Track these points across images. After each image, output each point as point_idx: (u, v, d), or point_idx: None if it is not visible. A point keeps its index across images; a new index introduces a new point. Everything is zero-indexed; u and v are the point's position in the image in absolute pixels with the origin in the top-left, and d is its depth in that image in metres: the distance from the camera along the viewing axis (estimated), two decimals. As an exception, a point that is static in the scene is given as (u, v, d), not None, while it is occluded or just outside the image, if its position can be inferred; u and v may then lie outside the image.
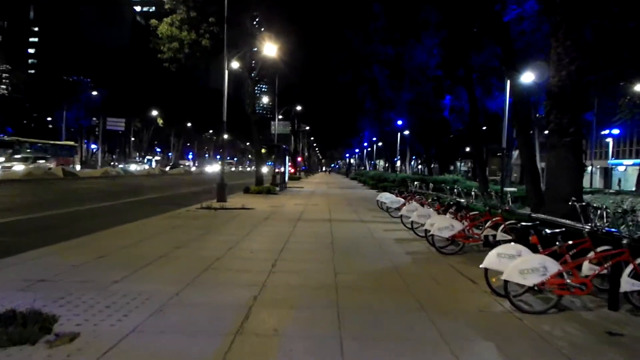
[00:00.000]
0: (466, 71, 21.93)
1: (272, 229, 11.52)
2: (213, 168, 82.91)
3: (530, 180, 11.96)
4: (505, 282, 5.09)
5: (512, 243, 5.71)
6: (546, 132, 9.87)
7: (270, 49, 19.33)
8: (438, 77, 37.61)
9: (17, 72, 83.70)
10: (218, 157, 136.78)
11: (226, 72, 18.95)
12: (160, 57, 23.12)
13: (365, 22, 40.26)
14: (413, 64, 37.43)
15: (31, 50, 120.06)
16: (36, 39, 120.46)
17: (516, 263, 5.08)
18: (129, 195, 22.32)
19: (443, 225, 8.39)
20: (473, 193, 10.50)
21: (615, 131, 42.33)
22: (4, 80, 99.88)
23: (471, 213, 9.75)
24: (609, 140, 48.53)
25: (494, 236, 8.79)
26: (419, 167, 77.55)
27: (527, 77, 12.66)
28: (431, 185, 14.76)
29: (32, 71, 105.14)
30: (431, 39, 37.24)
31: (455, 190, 11.78)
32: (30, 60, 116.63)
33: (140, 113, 75.07)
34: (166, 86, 72.75)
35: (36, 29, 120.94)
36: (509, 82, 12.78)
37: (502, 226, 8.46)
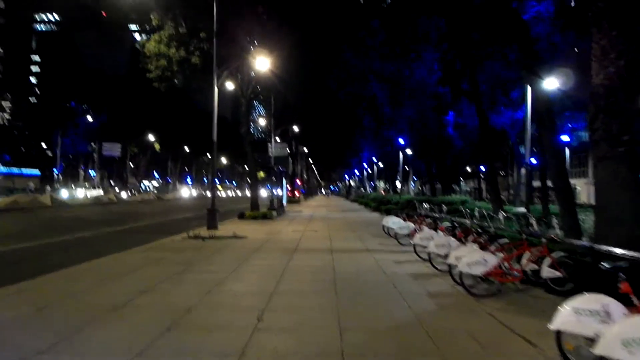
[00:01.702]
0: (473, 84, 20.57)
1: (264, 262, 9.85)
2: (191, 193, 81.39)
3: (563, 200, 10.37)
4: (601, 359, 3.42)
5: (593, 294, 4.05)
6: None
7: (263, 63, 17.95)
8: (439, 94, 36.38)
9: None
10: (216, 180, 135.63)
11: (215, 88, 17.52)
12: (148, 77, 21.82)
13: (363, 39, 39.20)
14: (413, 80, 36.22)
15: (33, 79, 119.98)
16: (37, 68, 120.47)
17: (618, 330, 3.41)
18: (115, 224, 20.65)
19: (474, 259, 6.73)
20: (502, 217, 8.85)
21: None
22: (4, 109, 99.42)
23: (500, 240, 8.12)
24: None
25: (536, 272, 7.15)
26: (420, 187, 75.98)
27: (550, 84, 11.20)
28: (444, 207, 13.15)
29: (34, 99, 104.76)
30: (431, 54, 36.14)
31: (477, 213, 10.15)
32: (32, 89, 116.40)
33: (137, 138, 73.96)
34: (163, 110, 71.85)
35: (37, 58, 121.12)
36: (529, 88, 11.29)
37: (549, 259, 6.82)
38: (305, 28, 27.69)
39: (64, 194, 36.27)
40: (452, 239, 9.05)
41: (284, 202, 31.68)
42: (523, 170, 42.34)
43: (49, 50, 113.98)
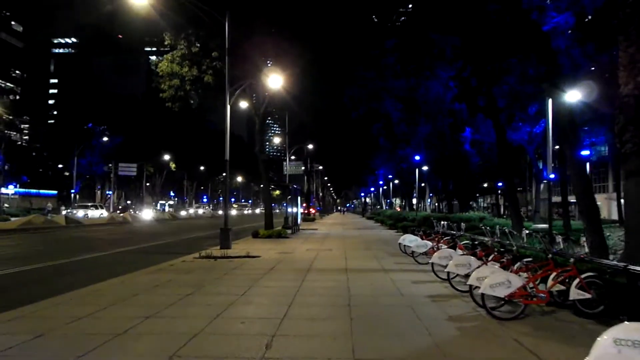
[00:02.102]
0: (490, 100, 20.17)
1: (276, 284, 9.48)
2: (195, 210, 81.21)
3: (588, 217, 9.86)
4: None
5: (636, 323, 3.60)
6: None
7: (276, 81, 17.83)
8: (454, 111, 35.98)
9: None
10: (232, 199, 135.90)
11: (228, 107, 17.42)
12: (161, 97, 21.88)
13: (377, 57, 39.12)
14: (428, 98, 35.92)
15: (51, 101, 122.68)
16: (56, 90, 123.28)
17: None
18: (128, 244, 20.52)
19: (497, 280, 6.29)
20: (525, 235, 8.38)
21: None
22: (23, 131, 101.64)
23: (525, 260, 7.66)
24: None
25: (563, 293, 6.68)
26: (436, 204, 74.99)
27: (573, 96, 10.77)
28: (463, 225, 12.67)
29: (52, 121, 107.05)
30: (446, 71, 35.86)
31: (497, 230, 9.68)
32: (50, 111, 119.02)
33: (153, 158, 74.74)
34: (178, 131, 72.71)
35: (56, 80, 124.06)
36: (550, 102, 10.87)
37: (578, 281, 6.35)
38: (318, 46, 27.65)
39: (79, 213, 36.39)
40: (473, 258, 8.59)
41: (299, 220, 31.31)
42: (542, 186, 41.47)
43: (66, 73, 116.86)
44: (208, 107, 25.75)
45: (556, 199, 65.50)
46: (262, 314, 6.84)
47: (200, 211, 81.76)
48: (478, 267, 8.41)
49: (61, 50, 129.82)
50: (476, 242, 9.58)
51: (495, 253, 9.07)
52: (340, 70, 41.96)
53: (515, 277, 6.37)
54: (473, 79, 31.81)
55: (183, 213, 69.22)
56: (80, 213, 41.31)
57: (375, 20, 44.03)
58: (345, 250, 16.81)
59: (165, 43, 20.64)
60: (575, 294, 6.34)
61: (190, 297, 7.98)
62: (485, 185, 69.02)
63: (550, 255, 6.98)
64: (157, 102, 24.98)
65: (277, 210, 54.13)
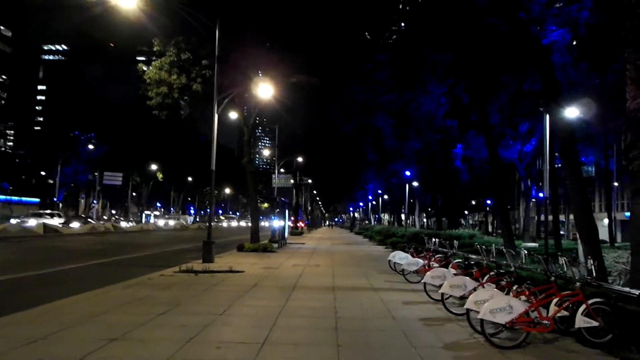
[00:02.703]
0: (483, 116, 19.92)
1: (259, 303, 8.87)
2: (170, 221, 66.41)
3: (587, 238, 9.44)
4: None
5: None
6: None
7: (266, 91, 17.37)
8: (446, 127, 35.83)
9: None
10: (220, 211, 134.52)
11: (215, 116, 16.90)
12: (149, 104, 21.30)
13: (369, 71, 38.95)
14: (420, 113, 35.74)
15: (38, 108, 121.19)
16: (43, 97, 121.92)
17: None
18: (107, 255, 19.71)
19: (498, 305, 5.78)
20: (524, 255, 7.88)
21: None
22: (7, 137, 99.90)
23: (525, 284, 7.16)
24: None
25: (567, 319, 6.19)
26: (424, 220, 74.68)
27: (571, 112, 10.42)
28: (456, 242, 12.19)
29: (38, 128, 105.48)
30: (438, 88, 35.81)
31: (493, 249, 9.21)
32: (37, 118, 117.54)
33: (140, 168, 73.70)
34: (166, 141, 71.96)
35: (44, 87, 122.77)
36: (547, 118, 10.51)
37: (584, 307, 5.87)
38: (310, 59, 27.39)
39: (30, 222, 33.75)
40: (468, 279, 8.09)
41: (286, 233, 30.66)
42: (531, 204, 41.28)
43: (55, 80, 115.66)
44: (197, 118, 25.09)
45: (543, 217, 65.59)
46: (240, 337, 6.24)
47: (171, 223, 64.72)
48: (474, 288, 7.91)
49: (51, 57, 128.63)
50: (472, 262, 9.08)
51: (491, 274, 8.59)
52: (331, 83, 41.76)
53: (517, 302, 5.86)
54: (465, 96, 31.82)
55: (124, 224, 53.04)
56: (31, 222, 34.82)
57: (368, 37, 44.07)
58: (333, 267, 16.23)
59: (154, 49, 20.09)
60: (581, 321, 5.84)
61: (163, 317, 7.34)
62: (473, 202, 69.08)
63: (552, 278, 6.49)
64: (145, 111, 24.49)
65: (267, 224, 53.58)
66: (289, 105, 28.04)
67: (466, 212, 77.17)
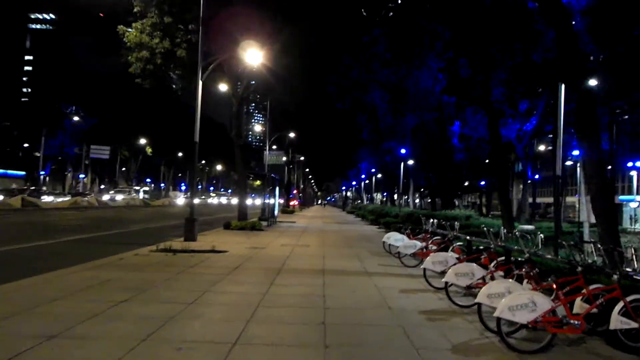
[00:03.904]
0: (484, 91, 18.77)
1: (238, 289, 7.85)
2: (118, 195, 54.42)
3: (605, 222, 8.47)
4: None
5: None
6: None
7: (255, 57, 16.07)
8: (443, 103, 34.67)
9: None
10: (211, 188, 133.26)
11: (200, 82, 15.64)
12: (130, 72, 19.94)
13: (365, 45, 37.48)
14: (417, 89, 34.51)
15: (25, 79, 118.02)
16: (30, 68, 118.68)
17: None
18: (85, 231, 18.62)
19: (519, 302, 4.78)
20: (540, 239, 6.85)
21: (641, 163, 38.96)
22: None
23: (551, 277, 6.17)
24: (633, 173, 44.92)
25: (595, 317, 5.22)
26: (417, 201, 73.88)
27: (591, 81, 9.34)
28: (457, 224, 11.21)
29: (25, 99, 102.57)
30: (436, 63, 34.52)
31: (502, 233, 8.21)
32: (23, 89, 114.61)
33: (129, 141, 72.05)
34: (157, 114, 70.18)
35: (31, 57, 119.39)
36: (563, 87, 9.41)
37: (622, 305, 4.88)
38: (304, 27, 25.95)
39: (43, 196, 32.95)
40: (476, 266, 7.10)
41: (276, 211, 29.66)
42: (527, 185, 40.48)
43: (42, 50, 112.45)
44: (185, 88, 23.66)
45: (540, 199, 65.03)
46: (209, 334, 5.21)
47: (119, 197, 52.60)
48: (482, 277, 6.94)
49: (38, 26, 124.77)
50: (481, 247, 8.05)
51: (499, 260, 7.61)
52: (326, 57, 40.30)
53: (541, 298, 4.85)
54: (464, 71, 30.55)
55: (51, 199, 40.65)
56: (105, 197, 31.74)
57: (364, 14, 42.39)
58: (323, 247, 15.26)
59: (134, 10, 18.63)
60: (618, 321, 4.87)
61: (123, 306, 6.30)
62: (467, 183, 68.27)
63: (579, 269, 5.49)
64: (134, 83, 23.29)
65: (259, 202, 52.20)
66: (281, 76, 26.71)
67: (459, 193, 76.47)
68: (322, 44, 37.54)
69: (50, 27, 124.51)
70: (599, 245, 5.62)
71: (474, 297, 7.11)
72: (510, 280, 5.95)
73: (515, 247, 7.70)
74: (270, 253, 13.11)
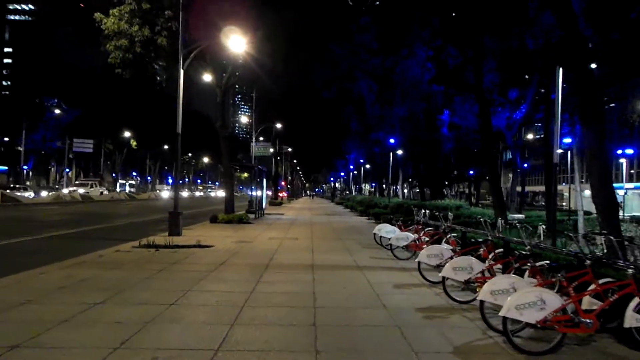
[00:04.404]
0: (476, 78, 18.40)
1: (223, 287, 7.39)
2: (81, 189, 47.55)
3: (606, 212, 8.17)
4: None
5: None
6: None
7: (238, 44, 15.47)
8: (431, 92, 34.32)
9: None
10: (199, 181, 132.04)
11: (181, 72, 15.04)
12: (109, 62, 19.18)
13: (352, 34, 36.88)
14: (405, 78, 34.09)
15: (4, 72, 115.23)
16: (10, 60, 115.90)
17: None
18: (66, 227, 17.98)
19: (526, 300, 4.40)
20: (542, 230, 6.49)
21: (630, 151, 39.04)
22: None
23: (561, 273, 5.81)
24: (622, 161, 45.07)
25: (604, 314, 4.86)
26: (405, 191, 73.82)
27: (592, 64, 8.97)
28: (451, 215, 10.84)
29: (6, 92, 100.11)
30: (425, 52, 34.13)
31: (500, 224, 7.86)
32: (2, 82, 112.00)
33: (113, 134, 70.72)
34: (141, 107, 68.87)
35: (10, 49, 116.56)
36: (560, 71, 9.05)
37: (637, 301, 4.52)
38: (289, 16, 25.30)
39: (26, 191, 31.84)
40: (474, 259, 6.72)
41: (264, 204, 29.18)
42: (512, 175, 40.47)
43: (23, 42, 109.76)
44: (172, 82, 22.93)
45: (527, 188, 65.23)
46: (189, 340, 4.75)
47: (81, 191, 45.60)
48: (481, 271, 6.57)
49: (17, 17, 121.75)
50: (479, 239, 7.65)
51: (497, 252, 7.26)
52: (312, 46, 39.70)
53: (550, 295, 4.47)
54: (452, 61, 30.23)
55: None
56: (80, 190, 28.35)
57: (350, 3, 41.77)
58: (312, 240, 14.84)
59: (112, -4, 17.89)
60: (633, 319, 4.51)
61: (98, 309, 5.81)
62: (455, 173, 68.32)
63: (588, 262, 5.12)
64: (118, 75, 22.58)
65: (250, 194, 51.39)
66: (267, 66, 26.08)
67: (446, 183, 76.53)
68: (308, 33, 36.94)
69: (30, 18, 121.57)
70: (611, 237, 5.23)
71: (472, 291, 6.79)
72: (514, 275, 5.57)
73: (515, 239, 7.35)
74: (258, 247, 12.66)
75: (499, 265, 7.00)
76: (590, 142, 8.20)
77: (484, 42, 17.84)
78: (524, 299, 4.42)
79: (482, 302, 5.15)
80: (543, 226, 6.42)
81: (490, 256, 7.38)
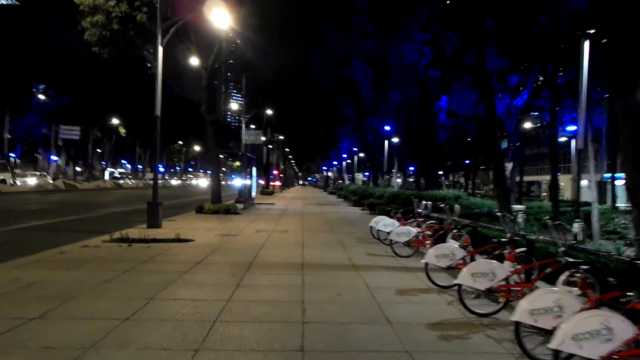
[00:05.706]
0: (479, 61, 17.20)
1: (194, 293, 6.20)
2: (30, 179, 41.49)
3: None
4: None
5: None
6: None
7: (222, 18, 14.12)
8: (428, 77, 33.11)
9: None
10: (190, 169, 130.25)
11: (160, 48, 13.73)
12: (85, 40, 17.79)
13: (348, 17, 35.56)
14: (402, 62, 32.86)
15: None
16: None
17: None
18: (40, 217, 16.69)
19: (588, 328, 3.27)
20: (579, 228, 5.35)
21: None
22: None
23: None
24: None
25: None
26: (398, 180, 72.80)
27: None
28: (457, 207, 9.71)
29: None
30: (422, 35, 32.91)
31: (520, 219, 6.71)
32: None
33: (101, 121, 68.90)
34: (129, 93, 67.08)
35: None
36: (587, 45, 7.89)
37: None
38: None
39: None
40: (496, 264, 5.58)
41: (254, 193, 27.99)
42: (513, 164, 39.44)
43: (8, 26, 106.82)
44: (147, 57, 21.52)
45: (525, 178, 64.42)
46: (134, 377, 3.58)
47: (32, 182, 40.04)
48: (505, 278, 5.44)
49: (3, 1, 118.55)
50: (503, 240, 6.39)
51: (517, 255, 6.12)
52: (306, 30, 38.44)
53: (620, 322, 3.33)
54: (448, 46, 29.05)
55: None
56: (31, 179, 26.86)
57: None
58: (303, 233, 13.68)
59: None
60: None
61: (30, 326, 4.62)
62: (449, 162, 67.35)
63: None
64: (106, 61, 20.98)
65: (233, 183, 50.10)
66: (258, 49, 24.77)
67: (441, 173, 75.59)
68: (301, 17, 35.50)
69: (16, 2, 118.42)
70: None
71: (491, 301, 5.67)
72: (557, 289, 4.44)
73: (541, 237, 6.22)
74: (243, 241, 11.48)
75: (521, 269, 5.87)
76: (626, 121, 7.03)
77: (486, 23, 16.70)
78: (583, 326, 3.28)
79: (517, 323, 4.00)
80: (582, 223, 5.26)
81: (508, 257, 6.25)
